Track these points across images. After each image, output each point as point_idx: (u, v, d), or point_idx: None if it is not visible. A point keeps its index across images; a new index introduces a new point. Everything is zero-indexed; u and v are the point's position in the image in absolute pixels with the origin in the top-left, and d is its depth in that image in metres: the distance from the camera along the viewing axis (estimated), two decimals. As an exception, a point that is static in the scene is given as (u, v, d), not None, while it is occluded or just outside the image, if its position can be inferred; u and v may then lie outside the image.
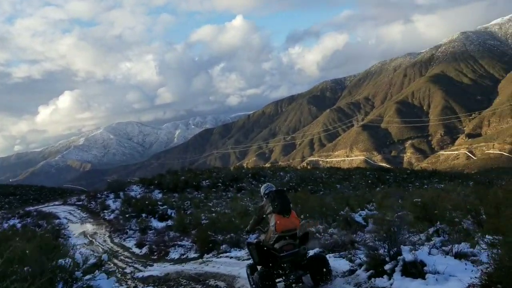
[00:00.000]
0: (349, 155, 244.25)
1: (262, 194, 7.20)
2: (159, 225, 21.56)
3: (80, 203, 34.04)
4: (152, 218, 23.69)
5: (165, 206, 25.38)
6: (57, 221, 28.27)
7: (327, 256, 7.04)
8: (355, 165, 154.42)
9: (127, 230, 20.87)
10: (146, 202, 25.81)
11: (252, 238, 9.73)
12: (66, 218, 29.37)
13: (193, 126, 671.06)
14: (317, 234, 7.75)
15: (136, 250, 16.31)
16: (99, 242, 19.81)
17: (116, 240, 19.50)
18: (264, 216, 6.86)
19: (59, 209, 32.79)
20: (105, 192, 34.14)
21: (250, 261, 7.32)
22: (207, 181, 33.02)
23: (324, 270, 6.41)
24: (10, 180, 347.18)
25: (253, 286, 6.60)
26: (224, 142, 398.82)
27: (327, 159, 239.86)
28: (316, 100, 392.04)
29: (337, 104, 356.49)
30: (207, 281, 8.63)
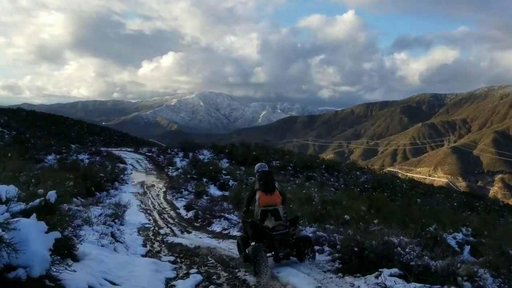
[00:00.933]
0: (431, 175, 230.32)
1: (255, 171, 7.89)
2: (217, 193, 20.20)
3: (150, 154, 33.90)
4: (212, 185, 22.46)
5: (228, 176, 24.00)
6: (122, 165, 28.15)
7: None
8: (436, 185, 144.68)
9: (183, 190, 19.71)
10: (211, 168, 24.61)
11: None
12: (132, 165, 29.22)
13: (279, 111, 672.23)
14: (398, 249, 5.50)
15: (183, 212, 15.00)
16: (151, 195, 18.86)
17: (169, 197, 18.42)
18: (255, 192, 7.50)
19: (129, 156, 32.87)
20: (175, 149, 33.68)
21: (242, 234, 7.98)
22: (277, 161, 31.22)
23: (309, 249, 7.10)
24: (103, 123, 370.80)
25: (246, 257, 7.20)
26: (306, 133, 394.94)
27: (407, 173, 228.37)
28: (410, 110, 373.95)
29: (431, 119, 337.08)
30: (236, 271, 6.77)
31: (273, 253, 7.00)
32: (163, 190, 20.65)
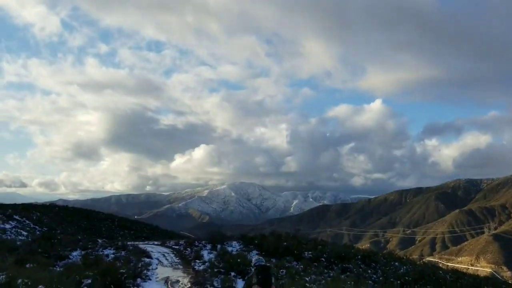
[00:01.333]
0: (474, 264, 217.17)
1: (252, 265, 8.06)
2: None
3: (177, 247, 32.85)
4: (240, 279, 21.09)
5: (257, 270, 22.50)
6: (147, 260, 27.15)
7: None
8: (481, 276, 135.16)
9: (208, 286, 18.43)
10: (239, 260, 23.32)
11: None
12: (157, 259, 28.15)
13: (311, 199, 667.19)
14: None
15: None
16: (174, 292, 17.64)
17: (193, 295, 17.13)
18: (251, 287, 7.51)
19: (155, 249, 31.90)
20: (203, 242, 32.61)
21: None
22: (309, 252, 29.54)
23: None
24: (136, 216, 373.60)
25: None
26: (340, 222, 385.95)
27: (448, 263, 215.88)
28: (445, 197, 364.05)
29: (469, 205, 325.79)
30: None
31: None
32: (187, 286, 19.42)
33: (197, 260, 27.13)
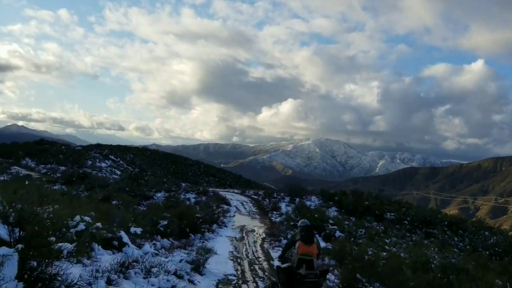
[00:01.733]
0: None
1: (298, 225, 8.56)
2: (320, 245, 18.25)
3: (256, 197, 33.08)
4: (316, 235, 20.47)
5: (335, 227, 21.91)
6: (226, 207, 27.55)
7: None
8: None
9: (282, 238, 18.12)
10: (316, 216, 22.72)
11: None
12: (236, 207, 28.52)
13: (398, 161, 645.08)
14: None
15: (277, 264, 13.33)
16: (248, 241, 17.55)
17: (266, 245, 16.95)
18: (295, 242, 7.92)
19: (235, 198, 32.36)
20: (281, 194, 32.44)
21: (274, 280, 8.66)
22: (392, 214, 28.20)
23: None
24: (222, 165, 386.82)
25: None
26: (427, 186, 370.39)
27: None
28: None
29: None
30: None
31: None
32: (262, 236, 19.27)
33: (274, 212, 27.03)
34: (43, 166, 42.47)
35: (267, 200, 30.97)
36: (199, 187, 34.74)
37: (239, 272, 11.47)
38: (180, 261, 9.91)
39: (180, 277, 7.95)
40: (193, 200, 28.05)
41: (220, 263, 12.03)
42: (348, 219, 26.15)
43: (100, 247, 7.55)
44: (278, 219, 24.40)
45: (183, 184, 36.25)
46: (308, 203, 29.96)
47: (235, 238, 18.26)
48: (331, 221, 23.06)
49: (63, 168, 40.30)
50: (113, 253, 8.02)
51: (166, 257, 10.07)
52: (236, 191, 37.92)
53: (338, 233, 21.07)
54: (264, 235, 19.55)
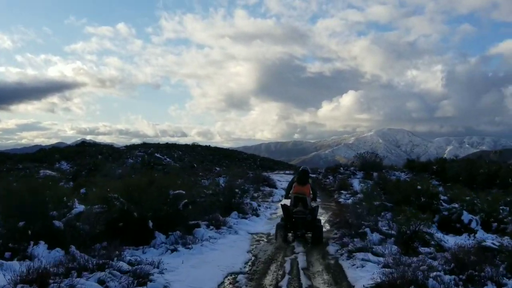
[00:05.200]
0: None
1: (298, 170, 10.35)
2: (450, 242, 8.79)
3: (315, 175, 23.71)
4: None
5: (456, 205, 12.27)
6: (268, 189, 18.55)
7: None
8: None
9: (367, 230, 8.65)
10: (418, 188, 13.01)
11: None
12: (283, 189, 19.52)
13: (467, 145, 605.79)
14: None
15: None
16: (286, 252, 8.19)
17: (332, 250, 7.62)
18: (293, 183, 9.83)
19: (284, 178, 23.40)
20: (352, 168, 22.84)
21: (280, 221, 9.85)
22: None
23: (318, 235, 9.21)
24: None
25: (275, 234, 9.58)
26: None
27: None
28: None
29: None
30: None
31: (293, 232, 9.38)
32: (324, 229, 9.93)
33: (342, 191, 17.57)
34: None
35: (330, 177, 21.59)
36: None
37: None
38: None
39: None
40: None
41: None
42: (465, 193, 16.14)
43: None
44: (350, 200, 14.97)
45: (218, 168, 27.80)
46: (392, 177, 20.17)
47: (266, 236, 9.06)
48: (443, 197, 13.41)
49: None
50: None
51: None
52: (287, 172, 28.82)
53: (466, 215, 11.45)
54: (328, 226, 10.25)
